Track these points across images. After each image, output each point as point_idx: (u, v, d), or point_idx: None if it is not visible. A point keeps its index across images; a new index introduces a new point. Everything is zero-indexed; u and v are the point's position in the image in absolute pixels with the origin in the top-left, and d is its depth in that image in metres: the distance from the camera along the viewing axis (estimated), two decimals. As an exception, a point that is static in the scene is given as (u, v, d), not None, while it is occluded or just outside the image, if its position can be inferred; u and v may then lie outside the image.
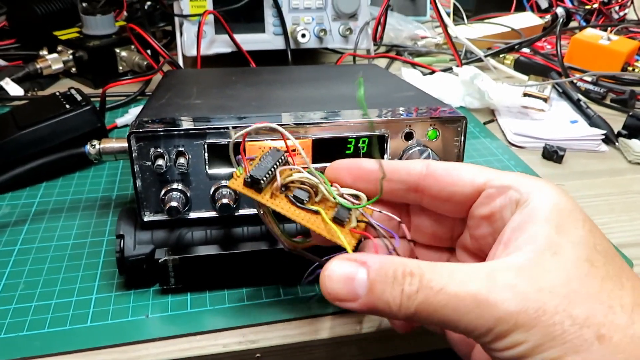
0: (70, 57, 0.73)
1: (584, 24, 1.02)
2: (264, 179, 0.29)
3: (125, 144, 0.36)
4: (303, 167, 0.30)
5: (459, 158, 0.40)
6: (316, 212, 0.29)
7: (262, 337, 0.35)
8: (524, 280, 0.22)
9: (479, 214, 0.27)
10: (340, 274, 0.24)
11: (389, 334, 0.37)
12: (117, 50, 0.74)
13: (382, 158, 0.39)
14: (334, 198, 0.29)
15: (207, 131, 0.36)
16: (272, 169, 0.29)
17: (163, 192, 0.37)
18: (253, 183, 0.29)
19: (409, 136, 0.39)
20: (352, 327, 0.36)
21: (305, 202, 0.29)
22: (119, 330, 0.35)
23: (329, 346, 0.36)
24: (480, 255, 0.30)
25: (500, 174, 0.27)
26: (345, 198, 0.30)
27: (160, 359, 0.34)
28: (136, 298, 0.38)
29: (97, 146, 0.42)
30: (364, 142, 0.39)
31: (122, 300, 0.37)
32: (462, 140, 0.40)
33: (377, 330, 0.36)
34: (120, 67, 0.75)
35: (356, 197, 0.30)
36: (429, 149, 0.39)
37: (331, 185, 0.30)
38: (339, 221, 0.29)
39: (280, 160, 0.30)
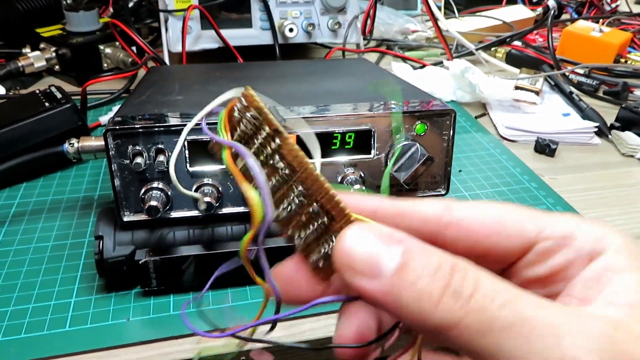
0: (53, 54, 0.72)
1: (576, 16, 1.01)
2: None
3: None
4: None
5: (448, 152, 0.40)
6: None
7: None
8: (626, 336, 0.16)
9: (533, 275, 0.20)
10: (365, 241, 0.17)
11: (378, 334, 0.36)
12: (101, 47, 0.73)
13: (370, 154, 0.38)
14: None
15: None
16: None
17: (143, 191, 0.36)
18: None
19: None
20: (339, 327, 0.35)
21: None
22: (98, 334, 0.34)
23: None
24: None
25: (552, 221, 0.20)
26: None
27: (141, 363, 0.33)
28: (117, 301, 0.36)
29: (76, 145, 0.40)
30: (350, 136, 0.38)
31: (102, 304, 0.36)
32: (451, 134, 0.39)
33: (366, 331, 0.35)
34: (105, 65, 0.73)
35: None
36: (417, 144, 0.38)
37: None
38: None
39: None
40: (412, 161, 0.38)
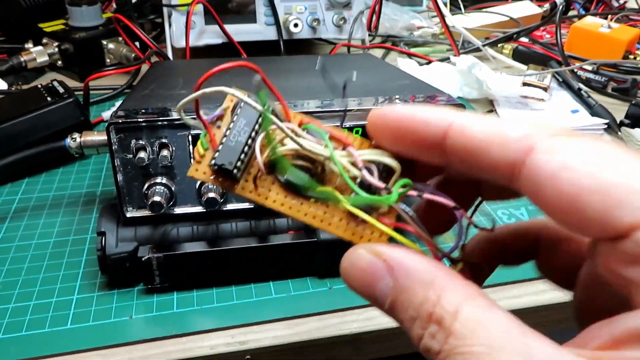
0: (56, 49, 0.71)
1: (583, 12, 1.00)
2: (238, 165, 0.19)
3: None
4: (299, 125, 0.20)
5: (458, 148, 0.39)
6: (325, 200, 0.19)
7: (251, 338, 0.34)
8: None
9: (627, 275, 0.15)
10: (360, 270, 0.18)
11: (386, 334, 0.35)
12: (104, 43, 0.72)
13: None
14: (352, 185, 0.19)
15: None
16: (248, 144, 0.19)
17: (146, 186, 0.35)
18: (224, 172, 0.19)
19: (404, 125, 0.37)
20: (346, 326, 0.35)
21: (304, 187, 0.19)
22: (100, 332, 0.33)
23: (322, 347, 0.34)
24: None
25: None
26: (369, 172, 0.19)
27: (144, 362, 0.32)
28: (119, 298, 0.36)
29: (78, 139, 0.40)
30: (357, 132, 0.37)
31: (105, 301, 0.35)
32: (461, 129, 0.38)
33: (373, 330, 0.35)
34: (108, 60, 0.73)
35: (386, 169, 0.19)
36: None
37: (343, 149, 0.19)
38: (363, 210, 0.19)
39: (258, 126, 0.20)
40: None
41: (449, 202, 0.18)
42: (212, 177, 0.20)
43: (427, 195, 0.18)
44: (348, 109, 0.36)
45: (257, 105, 0.19)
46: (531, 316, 0.38)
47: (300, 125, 0.20)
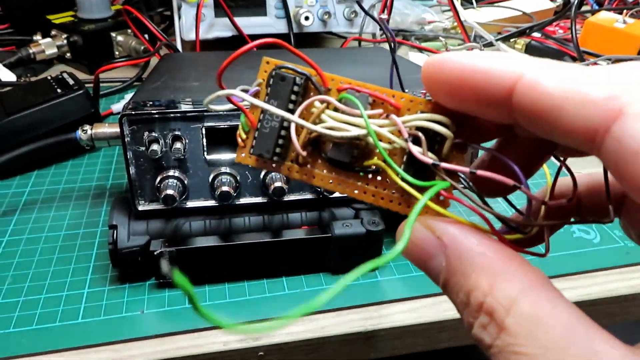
0: (65, 41, 0.70)
1: (597, 7, 0.98)
2: (277, 151, 0.19)
3: (119, 129, 0.33)
4: (338, 91, 0.18)
5: (475, 143, 0.38)
6: (374, 172, 0.18)
7: (265, 334, 0.33)
8: None
9: None
10: (413, 245, 0.16)
11: (401, 331, 0.34)
12: (113, 35, 0.71)
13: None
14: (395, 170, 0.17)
15: (205, 114, 0.34)
16: (284, 126, 0.19)
17: (158, 179, 0.34)
18: (264, 158, 0.19)
19: (421, 119, 0.37)
20: (360, 323, 0.34)
21: (350, 163, 0.18)
22: (112, 327, 0.33)
23: (336, 344, 0.34)
24: None
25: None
26: (417, 142, 0.17)
27: (156, 358, 0.31)
28: (131, 293, 0.35)
29: (89, 131, 0.39)
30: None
31: (116, 295, 0.35)
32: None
33: (389, 327, 0.34)
34: (117, 52, 0.72)
35: (434, 133, 0.17)
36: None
37: (387, 117, 0.18)
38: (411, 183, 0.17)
39: (292, 104, 0.19)
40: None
41: (508, 181, 0.16)
42: (257, 162, 0.19)
43: (482, 173, 0.16)
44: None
45: (296, 67, 0.18)
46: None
47: (339, 91, 0.18)
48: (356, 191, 0.19)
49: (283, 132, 0.19)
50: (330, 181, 0.19)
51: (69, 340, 0.32)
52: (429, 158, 0.17)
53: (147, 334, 0.32)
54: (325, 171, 0.19)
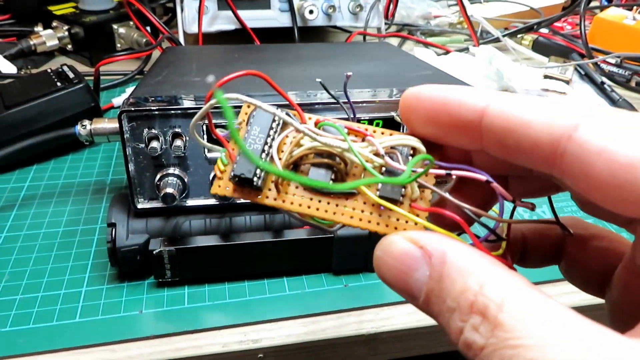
0: (66, 33, 0.70)
1: (606, 2, 0.97)
2: (257, 172, 0.19)
3: (118, 125, 0.33)
4: (315, 124, 0.19)
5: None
6: (352, 195, 0.18)
7: (265, 336, 0.32)
8: None
9: None
10: (394, 259, 0.16)
11: (403, 334, 0.34)
12: (115, 27, 0.70)
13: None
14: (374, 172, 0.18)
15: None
16: (265, 150, 0.19)
17: (158, 177, 0.34)
18: (243, 183, 0.19)
19: (427, 118, 0.36)
20: (362, 325, 0.33)
21: (329, 185, 0.18)
22: (109, 326, 0.32)
23: (337, 346, 0.33)
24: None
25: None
26: (392, 158, 0.18)
27: (154, 359, 0.31)
28: (129, 292, 0.35)
29: (88, 127, 0.39)
30: (377, 124, 0.36)
31: (114, 294, 0.34)
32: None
33: (391, 330, 0.33)
34: (119, 45, 0.71)
35: (411, 154, 0.19)
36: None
37: (362, 140, 0.19)
38: (390, 200, 0.18)
39: (272, 131, 0.19)
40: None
41: (481, 176, 0.17)
42: (235, 191, 0.19)
43: (457, 172, 0.17)
44: (359, 100, 0.34)
45: (271, 108, 0.19)
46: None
47: (316, 124, 0.19)
48: (335, 213, 0.19)
49: (264, 155, 0.19)
50: (308, 206, 0.19)
51: (66, 340, 0.31)
52: (403, 166, 0.18)
53: (145, 334, 0.32)
54: (303, 197, 0.19)
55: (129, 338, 0.32)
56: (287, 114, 0.19)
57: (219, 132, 0.19)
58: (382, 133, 0.19)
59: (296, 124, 0.18)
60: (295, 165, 0.19)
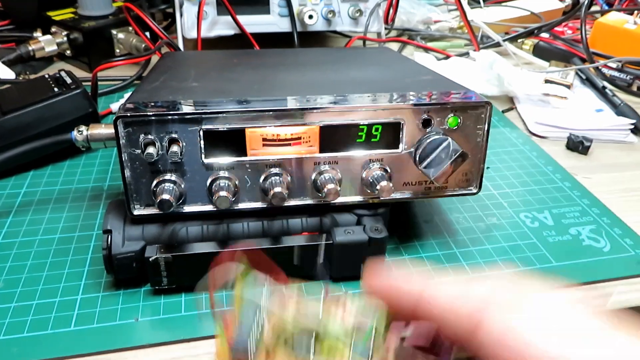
0: (65, 38, 0.69)
1: (606, 7, 0.97)
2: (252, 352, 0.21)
3: (114, 130, 0.32)
4: (295, 305, 0.23)
5: (482, 148, 0.37)
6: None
7: (262, 345, 0.32)
8: None
9: None
10: None
11: (403, 342, 0.33)
12: (114, 32, 0.70)
13: (398, 148, 0.36)
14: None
15: (203, 116, 0.32)
16: (255, 338, 0.22)
17: (154, 183, 0.33)
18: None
19: (426, 123, 0.35)
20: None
21: (310, 354, 0.22)
22: (105, 335, 0.32)
23: (337, 355, 0.33)
24: None
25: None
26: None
27: (150, 368, 0.30)
28: (125, 299, 0.34)
29: (85, 132, 0.38)
30: (376, 129, 0.35)
31: (110, 302, 0.34)
32: (486, 128, 0.36)
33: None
34: (118, 50, 0.71)
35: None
36: (449, 139, 0.35)
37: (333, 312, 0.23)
38: None
39: (259, 315, 0.23)
40: (443, 157, 0.35)
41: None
42: None
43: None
44: (361, 105, 0.34)
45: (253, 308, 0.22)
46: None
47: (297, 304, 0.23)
48: None
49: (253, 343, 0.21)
50: None
51: (61, 349, 0.31)
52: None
53: (141, 343, 0.31)
54: None
55: (125, 347, 0.31)
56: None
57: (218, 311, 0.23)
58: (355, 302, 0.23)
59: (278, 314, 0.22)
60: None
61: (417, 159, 0.36)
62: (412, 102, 0.35)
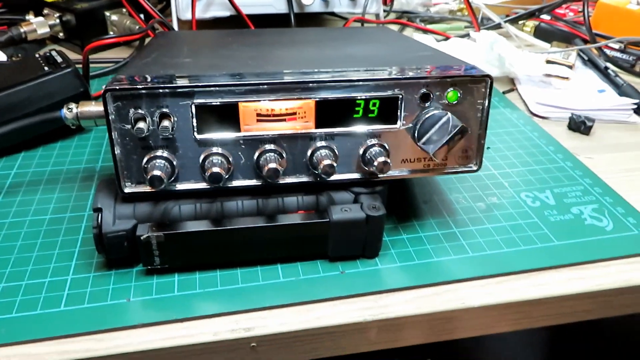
0: (57, 21, 0.68)
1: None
2: None
3: (103, 106, 0.31)
4: None
5: (482, 124, 0.36)
6: None
7: (257, 324, 0.31)
8: None
9: None
10: None
11: (401, 322, 0.33)
12: (107, 14, 0.69)
13: (396, 123, 0.35)
14: None
15: (195, 89, 0.31)
16: None
17: (145, 159, 0.32)
18: None
19: (425, 98, 0.34)
20: (358, 314, 0.32)
21: None
22: (96, 315, 0.31)
23: (333, 335, 0.32)
24: None
25: None
26: None
27: (143, 348, 0.30)
28: (117, 279, 0.33)
29: (75, 110, 0.37)
30: (374, 104, 0.34)
31: (101, 282, 0.33)
32: (487, 103, 0.35)
33: (388, 318, 0.32)
34: (111, 32, 0.70)
35: None
36: (449, 114, 0.34)
37: None
38: None
39: None
40: (442, 132, 0.34)
41: None
42: None
43: None
44: (358, 78, 0.33)
45: None
46: (556, 306, 0.35)
47: None
48: None
49: None
50: None
51: (50, 329, 0.30)
52: None
53: (133, 323, 0.31)
54: None
55: (117, 327, 0.30)
56: None
57: None
58: None
59: None
60: None
61: (416, 134, 0.35)
62: (411, 75, 0.34)
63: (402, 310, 0.32)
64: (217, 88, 0.32)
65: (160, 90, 0.31)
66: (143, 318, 0.31)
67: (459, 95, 0.35)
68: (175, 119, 0.32)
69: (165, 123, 0.31)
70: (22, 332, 0.30)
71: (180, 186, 0.34)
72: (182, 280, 0.34)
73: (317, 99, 0.33)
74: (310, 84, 0.33)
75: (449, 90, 0.34)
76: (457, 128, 0.33)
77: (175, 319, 0.31)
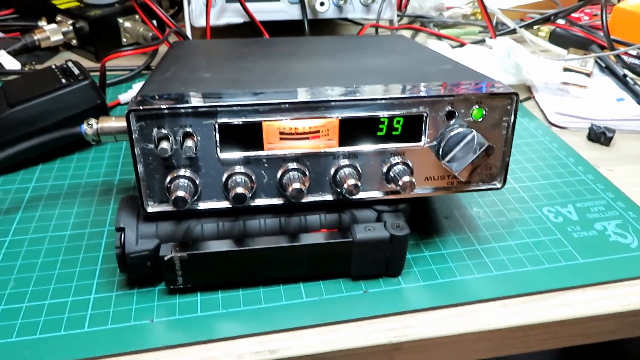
0: (70, 27, 0.68)
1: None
2: None
3: (125, 124, 0.31)
4: None
5: (508, 141, 0.35)
6: None
7: (282, 346, 0.31)
8: None
9: None
10: None
11: (426, 344, 0.32)
12: (121, 21, 0.69)
13: (420, 141, 0.34)
14: None
15: (219, 109, 0.31)
16: None
17: (168, 179, 0.32)
18: None
19: (450, 115, 0.34)
20: (383, 335, 0.32)
21: None
22: (119, 336, 0.31)
23: (357, 356, 0.32)
24: None
25: None
26: None
27: (167, 371, 0.30)
28: (139, 299, 0.33)
29: (95, 126, 0.37)
30: (398, 122, 0.34)
31: (124, 302, 0.33)
32: (512, 120, 0.35)
33: (413, 340, 0.32)
34: (124, 39, 0.70)
35: None
36: (474, 131, 0.34)
37: None
38: None
39: None
40: (467, 150, 0.33)
41: None
42: None
43: None
44: (382, 97, 0.33)
45: None
46: (582, 327, 0.35)
47: None
48: None
49: None
50: None
51: (75, 351, 0.30)
52: None
53: (157, 345, 0.30)
54: None
55: (140, 349, 0.30)
56: None
57: None
58: None
59: None
60: None
61: (440, 152, 0.34)
62: (436, 93, 0.33)
63: (427, 331, 0.32)
64: (241, 107, 0.31)
65: (183, 111, 0.31)
66: (167, 340, 0.31)
67: (484, 112, 0.34)
68: (198, 138, 0.32)
69: (189, 143, 0.31)
70: (47, 354, 0.30)
71: (202, 205, 0.33)
72: (205, 300, 0.33)
73: (341, 118, 0.33)
74: (333, 103, 0.32)
75: (474, 107, 0.34)
76: (484, 147, 0.33)
77: (199, 340, 0.31)
